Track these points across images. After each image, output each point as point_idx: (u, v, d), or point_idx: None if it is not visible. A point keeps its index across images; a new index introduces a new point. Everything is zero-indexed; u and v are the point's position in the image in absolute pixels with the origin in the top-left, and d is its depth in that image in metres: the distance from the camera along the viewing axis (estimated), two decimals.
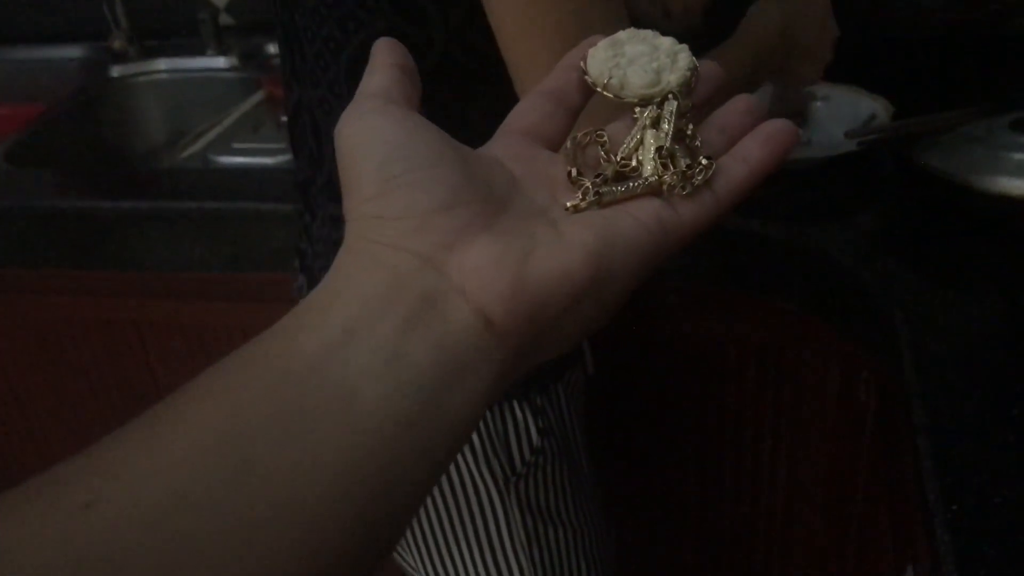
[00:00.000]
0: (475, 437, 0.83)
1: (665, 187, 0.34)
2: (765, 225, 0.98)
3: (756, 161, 0.35)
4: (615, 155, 0.36)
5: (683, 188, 0.34)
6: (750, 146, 0.36)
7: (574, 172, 0.35)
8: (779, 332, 1.07)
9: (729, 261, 1.04)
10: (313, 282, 0.88)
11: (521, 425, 0.84)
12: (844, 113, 1.12)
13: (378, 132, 0.33)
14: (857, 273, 0.89)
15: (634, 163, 0.35)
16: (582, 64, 0.38)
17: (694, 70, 0.37)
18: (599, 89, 0.37)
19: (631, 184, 0.34)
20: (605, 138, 0.37)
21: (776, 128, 0.36)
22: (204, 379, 0.29)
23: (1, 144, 1.42)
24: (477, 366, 0.31)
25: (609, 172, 0.35)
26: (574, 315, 0.32)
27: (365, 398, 0.29)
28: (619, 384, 1.18)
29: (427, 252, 0.31)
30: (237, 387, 0.29)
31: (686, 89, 0.37)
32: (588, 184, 0.34)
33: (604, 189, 0.34)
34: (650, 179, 0.34)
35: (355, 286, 0.31)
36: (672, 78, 0.37)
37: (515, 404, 0.84)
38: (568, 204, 0.34)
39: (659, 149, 0.35)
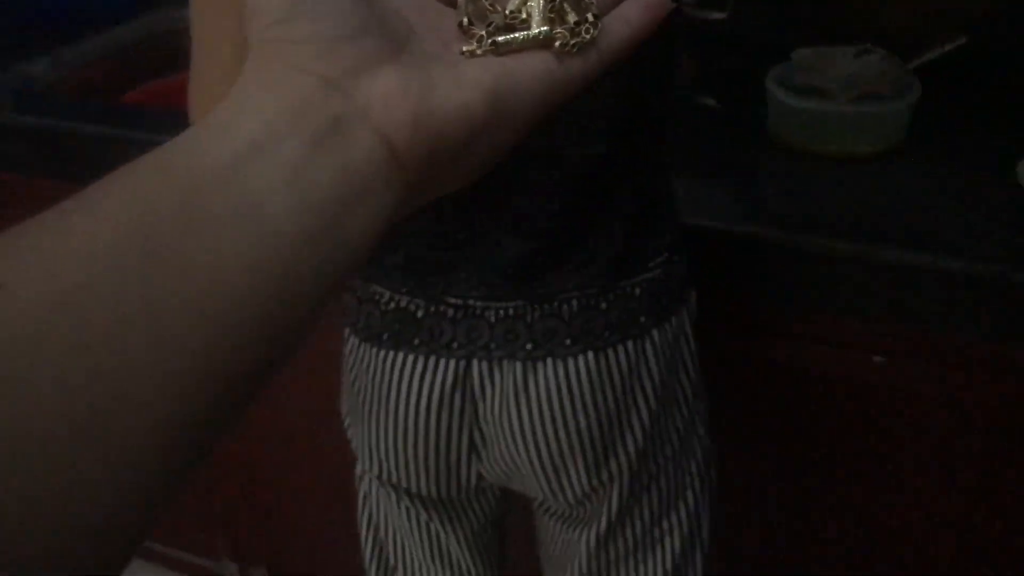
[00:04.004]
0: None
1: (556, 43, 0.36)
2: None
3: (637, 23, 0.37)
4: (504, 8, 0.37)
5: (572, 45, 0.36)
6: (633, 8, 0.38)
7: (466, 21, 0.37)
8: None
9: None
10: None
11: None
12: None
13: None
14: None
15: (524, 16, 0.37)
16: None
17: None
18: None
19: (523, 35, 0.36)
20: None
21: None
22: (115, 178, 0.30)
23: None
24: (378, 191, 0.32)
25: (499, 21, 0.36)
26: (469, 152, 0.34)
27: (269, 212, 0.30)
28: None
29: (334, 77, 0.32)
30: (147, 188, 0.29)
31: None
32: (482, 32, 0.36)
33: (499, 38, 0.35)
34: (541, 31, 0.36)
35: (261, 104, 0.32)
36: None
37: None
38: (464, 49, 0.36)
39: (549, 2, 0.37)
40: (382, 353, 0.86)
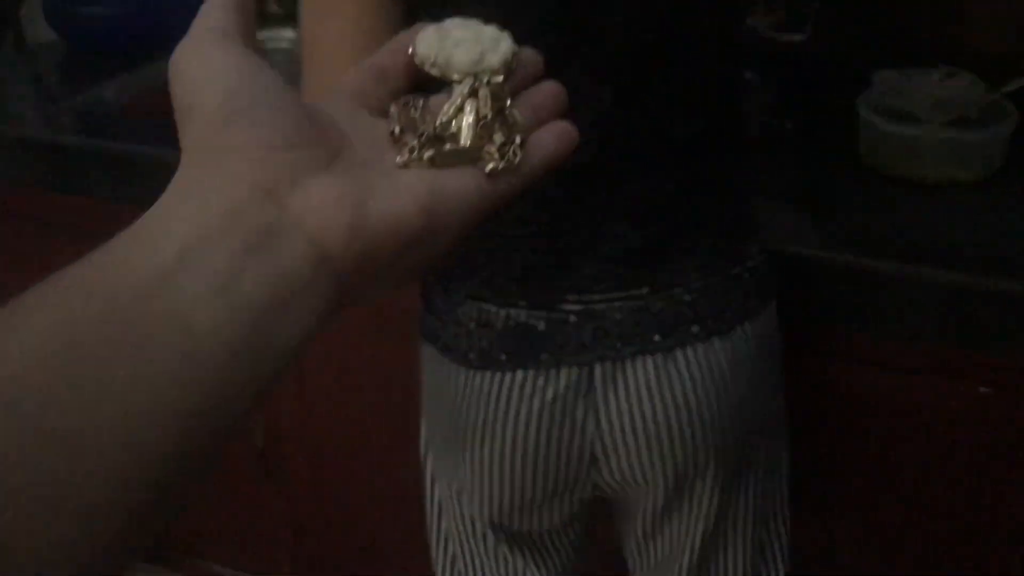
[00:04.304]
0: None
1: (486, 157, 0.37)
2: None
3: (551, 152, 0.38)
4: (435, 120, 0.38)
5: (499, 164, 0.37)
6: (547, 138, 0.39)
7: (397, 131, 0.38)
8: None
9: None
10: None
11: None
12: None
13: (221, 65, 0.34)
14: None
15: (453, 128, 0.38)
16: (412, 47, 0.41)
17: (514, 55, 0.41)
18: (427, 68, 0.40)
19: (453, 148, 0.37)
20: (426, 104, 0.40)
21: (565, 128, 0.39)
22: (41, 291, 0.29)
23: None
24: (308, 300, 0.32)
25: (430, 132, 0.37)
26: (403, 260, 0.34)
27: (197, 325, 0.29)
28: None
29: (268, 185, 0.32)
30: (72, 304, 0.29)
31: (505, 71, 0.40)
32: (414, 142, 0.37)
33: (433, 152, 0.36)
34: (471, 147, 0.37)
35: (191, 213, 0.31)
36: (494, 59, 0.40)
37: None
38: (399, 160, 0.36)
39: (480, 119, 0.38)
40: (497, 376, 0.84)
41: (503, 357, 0.83)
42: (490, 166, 0.37)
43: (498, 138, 0.38)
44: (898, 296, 1.01)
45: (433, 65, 0.40)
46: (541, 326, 0.83)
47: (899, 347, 1.04)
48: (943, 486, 1.10)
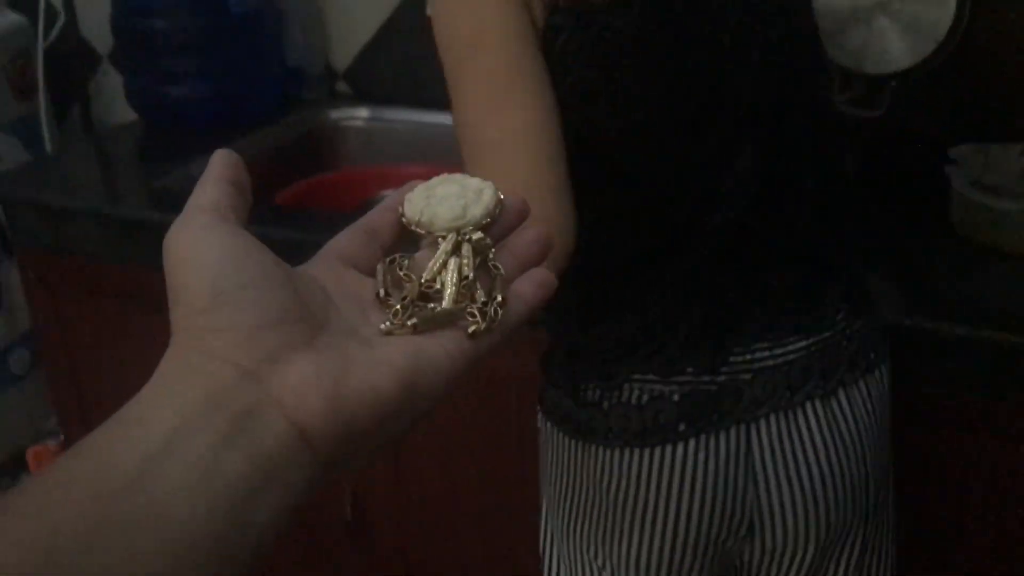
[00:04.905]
0: None
1: (470, 328, 0.38)
2: None
3: (532, 301, 0.40)
4: (420, 279, 0.39)
5: (481, 325, 0.38)
6: (527, 288, 0.40)
7: (382, 292, 0.39)
8: None
9: None
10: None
11: None
12: None
13: (209, 248, 0.35)
14: None
15: (438, 285, 0.39)
16: (400, 208, 0.43)
17: (497, 203, 0.42)
18: (412, 227, 0.42)
19: (436, 311, 0.38)
20: (410, 262, 0.41)
21: (545, 276, 0.41)
22: (26, 493, 0.30)
23: None
24: (288, 477, 0.33)
25: (413, 293, 0.39)
26: (380, 431, 0.35)
27: (178, 514, 0.30)
28: None
29: (250, 366, 0.33)
30: (56, 505, 0.30)
31: (488, 221, 0.42)
32: (397, 306, 0.38)
33: (416, 319, 0.37)
34: (453, 309, 0.38)
35: (176, 397, 0.33)
36: (476, 211, 0.41)
37: None
38: (382, 327, 0.37)
39: (462, 279, 0.39)
40: (668, 449, 0.84)
41: (681, 427, 0.83)
42: (472, 328, 0.38)
43: (480, 296, 0.39)
44: (987, 361, 1.02)
45: (418, 224, 0.42)
46: (714, 388, 0.84)
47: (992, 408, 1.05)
48: None
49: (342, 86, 1.86)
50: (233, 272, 0.35)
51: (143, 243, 1.41)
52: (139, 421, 0.32)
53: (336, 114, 1.79)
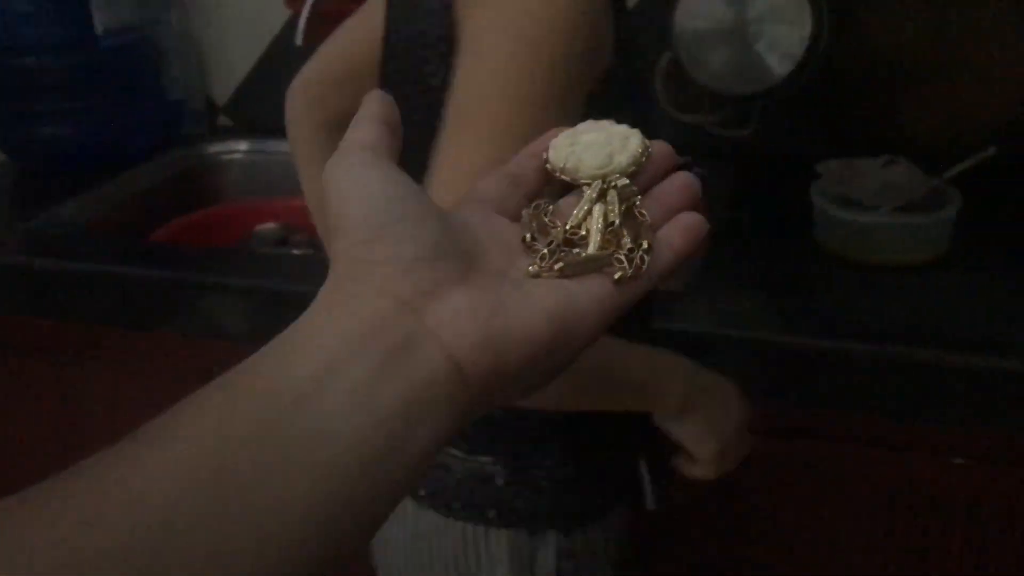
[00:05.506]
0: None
1: (616, 275, 0.37)
2: None
3: (679, 248, 0.40)
4: (565, 225, 0.39)
5: (628, 272, 0.37)
6: (673, 235, 0.40)
7: (528, 237, 0.39)
8: None
9: None
10: None
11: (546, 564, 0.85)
12: None
13: (368, 182, 0.36)
14: None
15: (583, 232, 0.39)
16: (545, 153, 0.42)
17: (644, 151, 0.41)
18: (557, 173, 0.42)
19: (583, 256, 0.38)
20: (556, 208, 0.41)
21: (693, 220, 0.40)
22: (195, 402, 0.32)
23: None
24: (442, 408, 0.34)
25: (559, 239, 0.39)
26: (532, 369, 0.36)
27: (338, 436, 0.31)
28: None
29: (408, 298, 0.34)
30: (225, 416, 0.31)
31: (635, 169, 0.41)
32: (544, 251, 0.38)
33: (563, 262, 0.37)
34: (599, 254, 0.38)
35: (336, 324, 0.34)
36: (622, 159, 0.41)
37: (548, 534, 0.85)
38: (530, 269, 0.37)
39: (608, 225, 0.39)
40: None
41: None
42: (618, 275, 0.37)
43: (626, 243, 0.38)
44: (864, 374, 1.04)
45: (563, 171, 0.41)
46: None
47: (866, 422, 1.08)
48: (924, 553, 1.14)
49: (223, 119, 1.84)
50: (392, 206, 0.36)
51: (15, 289, 1.36)
52: (299, 348, 0.33)
53: (216, 148, 1.77)
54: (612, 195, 0.40)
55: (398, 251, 0.35)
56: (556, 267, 0.37)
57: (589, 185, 0.40)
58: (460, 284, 0.35)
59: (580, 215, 0.39)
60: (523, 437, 0.83)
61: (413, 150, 0.53)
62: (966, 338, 1.03)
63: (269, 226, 1.59)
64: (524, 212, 0.40)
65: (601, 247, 0.38)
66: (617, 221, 0.39)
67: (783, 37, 1.35)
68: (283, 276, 1.20)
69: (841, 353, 1.04)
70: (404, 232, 0.35)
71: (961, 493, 1.09)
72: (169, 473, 0.29)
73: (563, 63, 0.66)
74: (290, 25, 1.67)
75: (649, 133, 0.43)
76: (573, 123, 0.43)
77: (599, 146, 0.41)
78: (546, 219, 0.40)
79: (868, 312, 1.11)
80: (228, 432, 0.30)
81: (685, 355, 0.87)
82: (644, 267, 0.38)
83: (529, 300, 0.36)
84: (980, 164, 1.22)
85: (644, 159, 0.41)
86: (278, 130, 1.54)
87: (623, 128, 0.42)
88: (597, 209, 0.39)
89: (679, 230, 0.40)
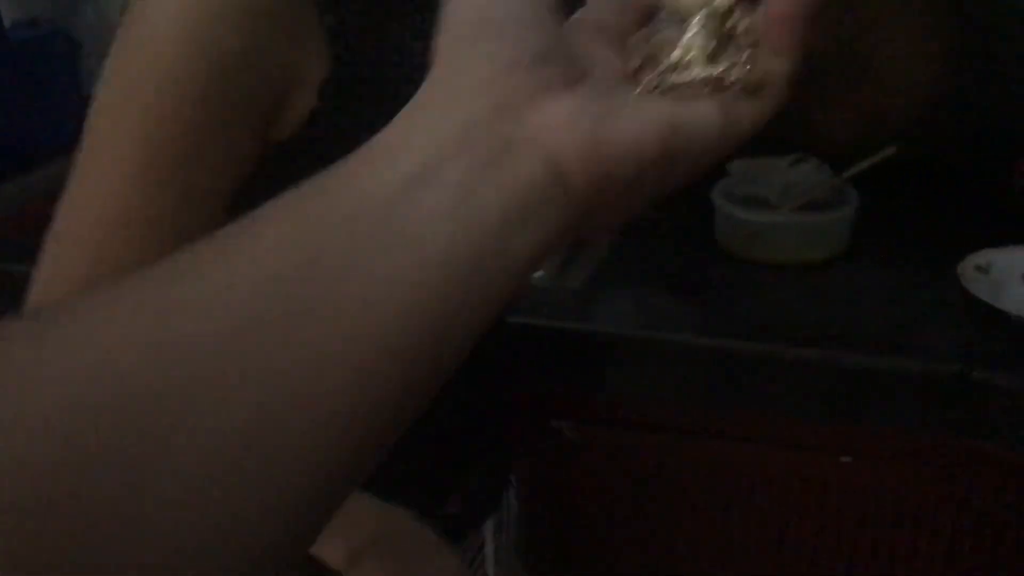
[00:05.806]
0: None
1: (725, 84, 0.37)
2: None
3: (786, 48, 0.37)
4: (671, 52, 0.38)
5: (736, 86, 0.37)
6: (772, 34, 0.37)
7: (636, 64, 0.38)
8: None
9: None
10: None
11: None
12: None
13: None
14: None
15: (688, 57, 0.38)
16: None
17: None
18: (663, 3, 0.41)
19: (689, 78, 0.37)
20: (663, 36, 0.40)
21: (788, 15, 0.37)
22: (286, 202, 0.31)
23: None
24: (542, 214, 0.32)
25: (665, 66, 0.38)
26: (636, 187, 0.34)
27: (434, 237, 0.30)
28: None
29: (508, 100, 0.32)
30: (311, 215, 0.30)
31: None
32: (651, 77, 0.37)
33: (671, 81, 0.37)
34: (705, 77, 0.37)
35: (433, 123, 0.32)
36: None
37: None
38: (638, 90, 0.36)
39: (713, 48, 0.38)
40: None
41: None
42: (726, 92, 0.37)
43: (735, 65, 0.38)
44: (761, 374, 1.06)
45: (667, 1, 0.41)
46: None
47: (760, 421, 1.09)
48: (818, 552, 1.15)
49: None
50: (500, 4, 0.34)
51: None
52: (395, 147, 0.32)
53: None
54: (714, 23, 0.39)
55: (502, 51, 0.33)
56: (665, 87, 0.37)
57: (694, 13, 0.40)
58: (565, 91, 0.33)
59: (687, 42, 0.39)
60: None
61: None
62: (861, 337, 1.04)
63: None
64: (631, 40, 0.39)
65: (706, 72, 0.38)
66: (722, 44, 0.38)
67: None
68: None
69: (725, 351, 1.05)
70: (510, 32, 0.34)
71: (850, 489, 1.10)
72: (253, 267, 0.29)
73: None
74: None
75: None
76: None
77: None
78: (652, 49, 0.39)
79: (761, 310, 1.12)
80: (318, 233, 0.30)
81: (586, 356, 0.87)
82: (750, 78, 0.37)
83: (638, 113, 0.34)
84: (883, 162, 1.24)
85: None
86: None
87: None
88: (702, 35, 0.39)
89: (774, 31, 0.37)
